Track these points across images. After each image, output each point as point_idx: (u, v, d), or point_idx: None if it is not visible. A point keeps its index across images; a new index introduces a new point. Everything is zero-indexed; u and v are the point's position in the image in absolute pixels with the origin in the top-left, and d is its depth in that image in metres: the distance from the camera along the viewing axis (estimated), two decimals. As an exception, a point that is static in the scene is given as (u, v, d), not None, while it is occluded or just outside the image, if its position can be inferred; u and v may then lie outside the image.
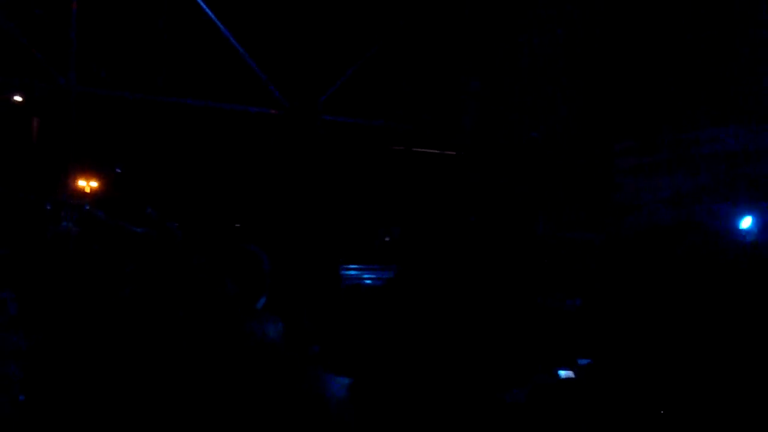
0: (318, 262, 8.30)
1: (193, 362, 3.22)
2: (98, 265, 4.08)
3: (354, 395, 3.38)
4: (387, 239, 9.14)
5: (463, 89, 9.83)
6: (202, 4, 9.17)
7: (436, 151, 9.27)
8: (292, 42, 9.59)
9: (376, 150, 9.97)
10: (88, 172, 11.92)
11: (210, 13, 9.20)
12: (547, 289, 8.47)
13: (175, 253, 4.75)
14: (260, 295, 3.68)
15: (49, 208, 7.87)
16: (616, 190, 10.35)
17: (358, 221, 9.51)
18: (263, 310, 3.74)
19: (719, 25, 9.42)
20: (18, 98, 10.24)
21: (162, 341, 3.31)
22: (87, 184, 12.47)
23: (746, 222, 9.14)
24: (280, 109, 9.62)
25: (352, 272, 8.11)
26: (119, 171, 10.38)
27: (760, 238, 8.68)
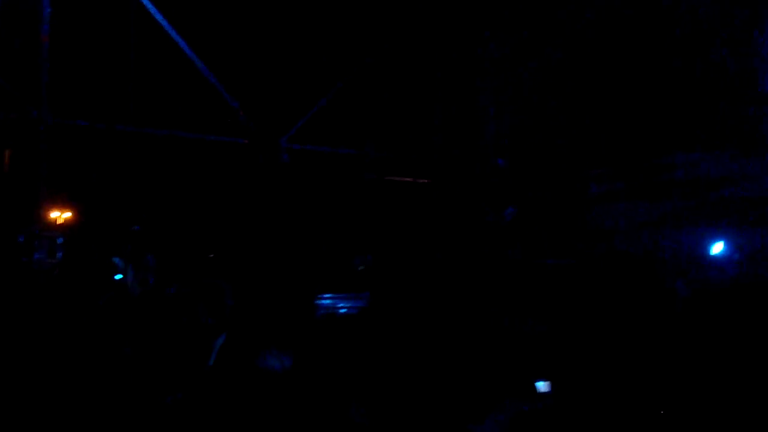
0: (292, 292, 8.26)
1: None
2: (72, 295, 4.05)
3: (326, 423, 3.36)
4: (361, 267, 9.12)
5: (436, 118, 9.86)
6: (174, 36, 9.17)
7: (408, 180, 9.28)
8: (265, 73, 9.60)
9: (349, 178, 9.97)
10: (61, 203, 11.82)
11: (183, 44, 9.19)
12: (520, 315, 8.47)
13: (149, 283, 4.71)
14: (223, 328, 3.63)
15: (21, 240, 7.80)
16: (590, 216, 10.39)
17: (331, 249, 9.48)
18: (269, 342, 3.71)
19: (694, 55, 9.51)
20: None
21: (135, 373, 3.29)
22: (60, 215, 12.37)
23: (718, 247, 9.20)
24: (254, 138, 9.61)
25: (327, 301, 8.08)
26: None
27: (736, 268, 8.74)
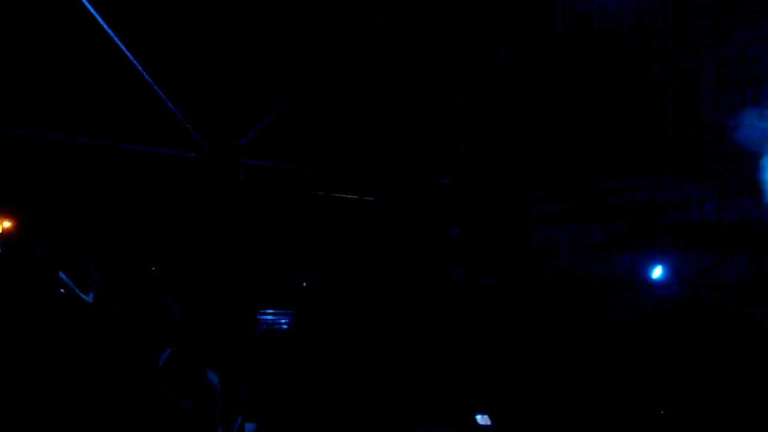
0: (235, 308, 8.22)
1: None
2: (11, 307, 3.99)
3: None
4: (304, 284, 9.10)
5: (381, 135, 9.88)
6: (122, 47, 9.09)
7: (354, 197, 9.29)
8: (213, 86, 9.55)
9: (295, 195, 9.94)
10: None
11: (131, 56, 9.11)
12: (462, 336, 8.53)
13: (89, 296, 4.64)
14: (168, 344, 3.57)
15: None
16: (534, 237, 10.48)
17: (275, 266, 9.44)
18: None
19: (639, 81, 9.66)
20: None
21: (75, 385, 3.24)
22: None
23: (657, 272, 9.33)
24: (200, 152, 9.54)
25: (269, 317, 8.06)
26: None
27: (672, 290, 8.87)
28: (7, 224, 12.88)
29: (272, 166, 9.89)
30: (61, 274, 3.41)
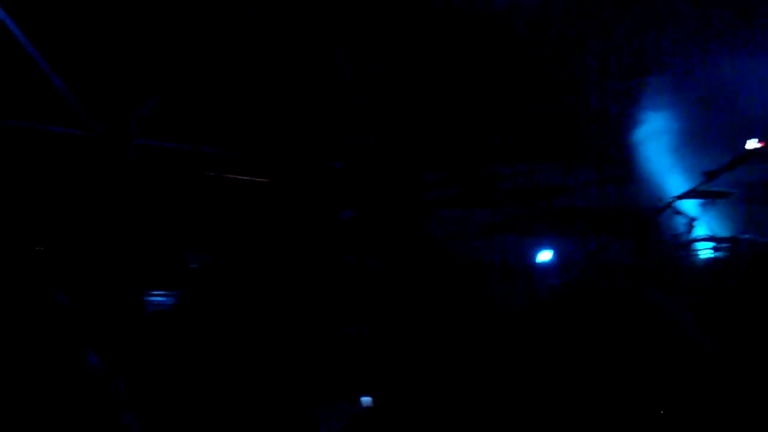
0: (123, 288, 8.10)
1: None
2: None
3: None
4: (195, 266, 9.02)
5: (275, 116, 9.82)
6: (5, 17, 8.80)
7: (246, 178, 9.22)
8: (104, 62, 9.33)
9: (188, 175, 9.80)
10: None
11: (11, 23, 8.81)
12: (350, 318, 8.59)
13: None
14: (52, 326, 3.51)
15: None
16: (425, 221, 10.57)
17: (166, 247, 9.32)
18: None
19: (525, 67, 9.81)
20: None
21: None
22: None
23: (545, 255, 9.53)
24: (90, 131, 9.32)
25: (158, 299, 7.99)
26: None
27: (563, 276, 9.08)
28: None
29: (165, 146, 9.73)
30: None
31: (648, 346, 7.49)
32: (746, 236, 7.14)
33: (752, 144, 5.69)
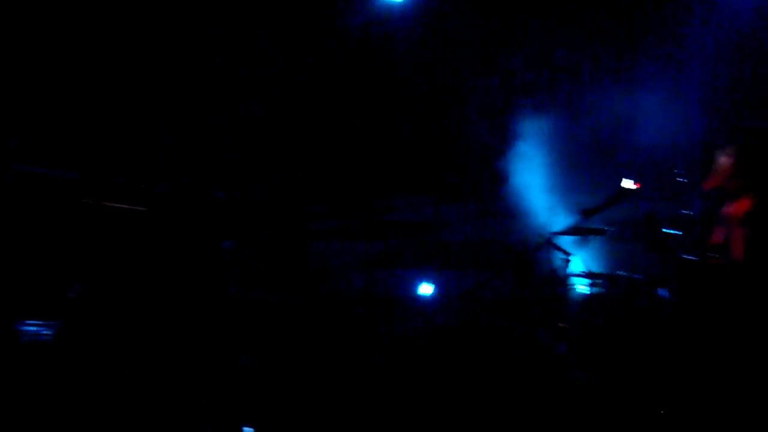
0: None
1: None
2: None
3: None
4: (70, 294, 8.80)
5: (158, 143, 9.71)
6: None
7: (125, 206, 9.07)
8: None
9: (66, 203, 9.58)
10: None
11: None
12: (235, 349, 8.50)
13: None
14: None
15: None
16: (309, 253, 10.57)
17: (41, 275, 9.07)
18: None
19: (410, 105, 9.97)
20: None
21: None
22: None
23: (426, 289, 9.63)
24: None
25: (31, 328, 7.78)
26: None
27: (441, 308, 9.18)
28: None
29: (42, 173, 9.50)
30: None
31: (525, 380, 7.66)
32: (620, 273, 7.36)
33: (627, 184, 5.88)
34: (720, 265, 5.39)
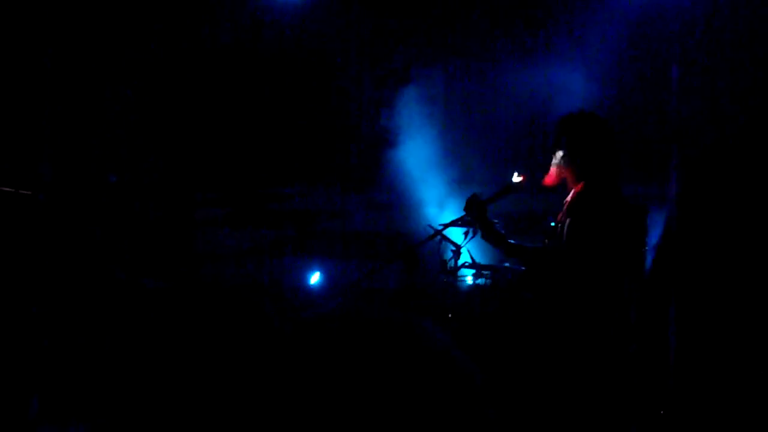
0: None
1: None
2: None
3: None
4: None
5: (43, 128, 9.47)
6: None
7: (10, 190, 8.81)
8: None
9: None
10: None
11: None
12: (121, 336, 8.36)
13: None
14: None
15: None
16: (196, 240, 10.46)
17: None
18: None
19: (311, 94, 9.96)
20: None
21: None
22: None
23: (315, 277, 9.65)
24: None
25: None
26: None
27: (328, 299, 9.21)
28: None
29: None
30: None
31: (408, 373, 7.73)
32: (506, 264, 7.50)
33: (516, 177, 5.99)
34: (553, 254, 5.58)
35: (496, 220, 5.97)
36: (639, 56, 8.53)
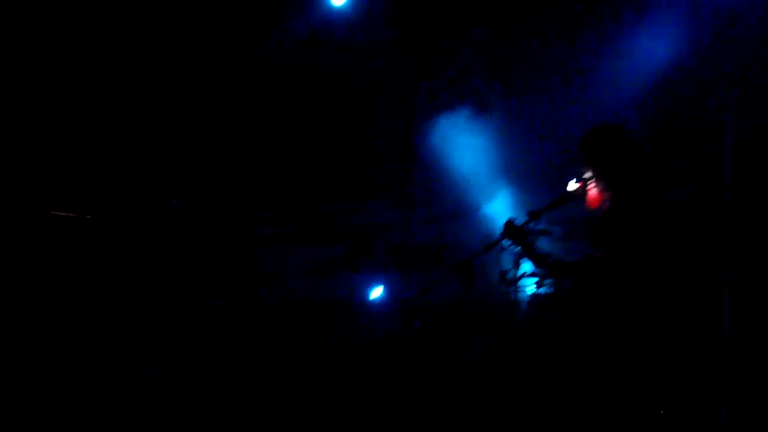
0: None
1: None
2: None
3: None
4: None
5: (99, 151, 9.62)
6: None
7: (73, 215, 8.97)
8: None
9: (12, 212, 9.46)
10: None
11: None
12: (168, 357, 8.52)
13: None
14: None
15: None
16: (259, 258, 10.53)
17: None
18: None
19: (357, 114, 9.99)
20: None
21: None
22: None
23: (377, 292, 9.66)
24: None
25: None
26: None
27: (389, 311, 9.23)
28: None
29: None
30: None
31: (462, 390, 7.78)
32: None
33: (572, 185, 5.92)
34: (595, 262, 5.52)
35: (549, 229, 5.91)
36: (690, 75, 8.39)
